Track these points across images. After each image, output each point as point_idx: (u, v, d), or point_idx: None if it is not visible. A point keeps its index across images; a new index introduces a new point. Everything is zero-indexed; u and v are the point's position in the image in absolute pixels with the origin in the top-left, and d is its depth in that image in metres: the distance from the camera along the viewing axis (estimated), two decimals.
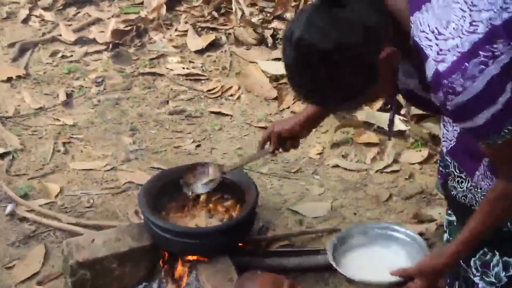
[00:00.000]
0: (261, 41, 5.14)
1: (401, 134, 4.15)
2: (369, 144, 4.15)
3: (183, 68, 4.88)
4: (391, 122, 2.68)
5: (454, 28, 2.06)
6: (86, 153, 4.10)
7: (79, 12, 5.55)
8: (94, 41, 5.18)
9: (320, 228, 3.59)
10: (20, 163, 4.01)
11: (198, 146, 4.19)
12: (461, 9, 2.07)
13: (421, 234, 3.45)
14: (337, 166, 4.03)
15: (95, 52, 5.06)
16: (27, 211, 3.65)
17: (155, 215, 3.12)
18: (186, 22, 5.33)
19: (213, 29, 5.30)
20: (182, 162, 4.01)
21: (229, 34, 5.23)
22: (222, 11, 5.47)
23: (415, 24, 2.10)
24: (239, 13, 5.29)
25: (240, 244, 3.32)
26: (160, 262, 3.22)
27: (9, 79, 4.72)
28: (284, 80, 4.66)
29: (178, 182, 3.31)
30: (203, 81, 4.78)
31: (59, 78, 4.77)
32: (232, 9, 5.38)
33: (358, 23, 2.01)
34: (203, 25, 5.31)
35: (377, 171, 3.99)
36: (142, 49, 5.09)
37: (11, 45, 5.10)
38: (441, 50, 2.06)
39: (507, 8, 2.06)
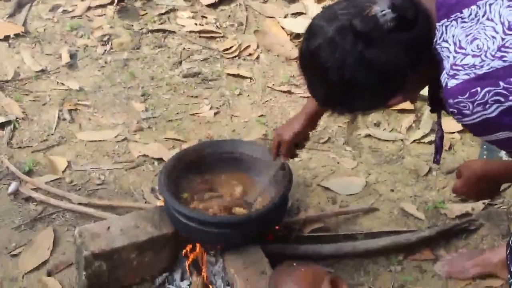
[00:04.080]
0: None
1: None
2: (403, 111, 3.80)
3: (196, 24, 4.50)
4: (438, 149, 2.48)
5: (477, 46, 1.90)
6: (95, 121, 3.75)
7: None
8: None
9: (355, 207, 3.27)
10: (22, 133, 3.65)
11: (217, 113, 3.83)
12: (494, 29, 1.91)
13: (466, 214, 3.17)
14: (369, 136, 3.69)
15: (99, 6, 4.65)
16: (32, 189, 3.30)
17: (178, 201, 2.79)
18: None
19: None
20: (200, 131, 3.68)
21: None
22: None
23: (440, 31, 1.97)
24: None
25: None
26: (183, 251, 2.90)
27: (6, 38, 4.33)
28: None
29: (199, 162, 3.02)
30: (218, 39, 4.41)
31: (61, 36, 4.38)
32: None
33: (378, 67, 1.94)
34: None
35: (413, 142, 3.66)
36: (149, 3, 4.69)
37: None
38: (455, 64, 1.92)
39: None
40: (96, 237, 2.81)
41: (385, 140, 3.66)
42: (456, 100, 1.92)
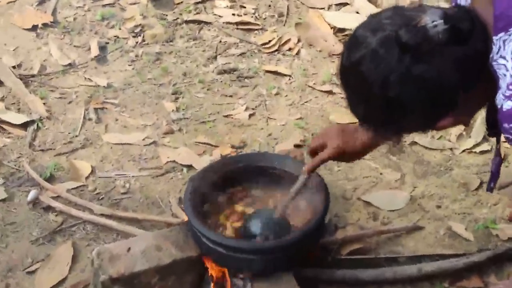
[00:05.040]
0: None
1: None
2: None
3: (234, 14, 4.24)
4: (494, 177, 2.24)
5: None
6: (122, 122, 3.53)
7: None
8: None
9: (398, 226, 3.01)
10: (45, 134, 3.46)
11: (252, 114, 3.58)
12: None
13: None
14: (415, 143, 3.41)
15: None
16: (53, 197, 3.10)
17: (203, 224, 2.56)
18: None
19: None
20: (233, 136, 3.46)
21: None
22: None
23: (497, 46, 1.76)
24: None
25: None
26: (209, 275, 2.67)
27: (34, 27, 4.12)
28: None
29: (227, 177, 2.80)
30: (256, 31, 4.15)
31: (91, 27, 4.16)
32: None
33: (426, 85, 1.74)
34: None
35: (463, 151, 3.38)
36: None
37: None
38: None
39: None
40: (115, 259, 2.61)
41: (432, 149, 3.39)
42: (510, 125, 1.68)
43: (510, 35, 1.74)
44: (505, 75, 1.73)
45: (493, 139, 2.47)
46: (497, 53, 1.75)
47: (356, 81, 1.82)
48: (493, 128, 2.02)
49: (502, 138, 1.93)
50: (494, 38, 1.76)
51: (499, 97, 1.74)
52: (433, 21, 1.71)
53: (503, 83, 1.73)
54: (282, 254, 2.53)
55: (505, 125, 1.74)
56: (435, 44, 1.72)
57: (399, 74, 1.73)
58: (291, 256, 2.56)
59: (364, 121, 1.95)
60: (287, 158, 2.87)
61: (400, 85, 1.74)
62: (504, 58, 1.74)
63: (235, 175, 2.79)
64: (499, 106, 1.74)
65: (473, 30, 1.75)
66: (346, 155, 2.45)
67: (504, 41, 1.74)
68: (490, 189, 2.35)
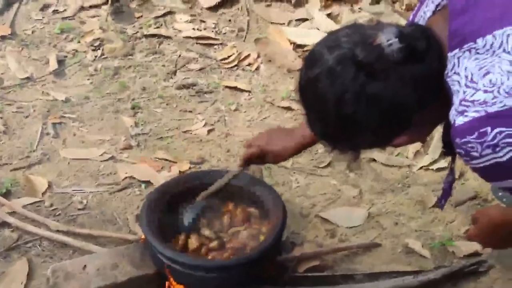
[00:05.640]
0: None
1: None
2: None
3: (194, 29, 4.23)
4: (445, 194, 2.27)
5: (490, 81, 1.71)
6: (80, 137, 3.51)
7: None
8: None
9: (355, 243, 3.03)
10: (2, 149, 3.42)
11: (211, 130, 3.57)
12: (510, 63, 1.71)
13: (475, 254, 2.92)
14: (373, 160, 3.42)
15: (92, 6, 4.37)
16: (9, 213, 3.07)
17: (161, 241, 2.55)
18: None
19: None
20: (191, 152, 3.44)
21: None
22: None
23: (451, 63, 1.77)
24: None
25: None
26: None
27: None
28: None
29: (185, 194, 2.78)
30: (216, 46, 4.14)
31: (50, 40, 4.12)
32: None
33: (381, 103, 1.75)
34: None
35: (420, 168, 3.40)
36: (146, 4, 4.41)
37: None
38: (465, 100, 1.73)
39: None
40: (70, 277, 2.62)
41: (390, 166, 3.41)
42: (463, 140, 1.72)
43: (464, 52, 1.76)
44: (458, 91, 1.75)
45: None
46: (452, 70, 1.77)
47: (313, 97, 1.83)
48: (449, 147, 2.04)
49: (457, 156, 1.95)
50: (449, 55, 1.77)
51: (452, 113, 1.76)
52: (388, 40, 1.73)
53: (456, 99, 1.75)
54: (238, 272, 2.53)
55: (457, 140, 1.75)
56: (391, 63, 1.73)
57: (354, 92, 1.74)
58: (247, 274, 2.55)
59: (322, 138, 1.96)
60: (243, 175, 2.86)
61: (355, 103, 1.75)
62: (458, 74, 1.76)
63: (192, 192, 2.78)
64: (452, 122, 1.76)
65: (429, 49, 1.77)
66: (268, 155, 2.56)
67: (458, 58, 1.76)
68: (441, 206, 2.38)
